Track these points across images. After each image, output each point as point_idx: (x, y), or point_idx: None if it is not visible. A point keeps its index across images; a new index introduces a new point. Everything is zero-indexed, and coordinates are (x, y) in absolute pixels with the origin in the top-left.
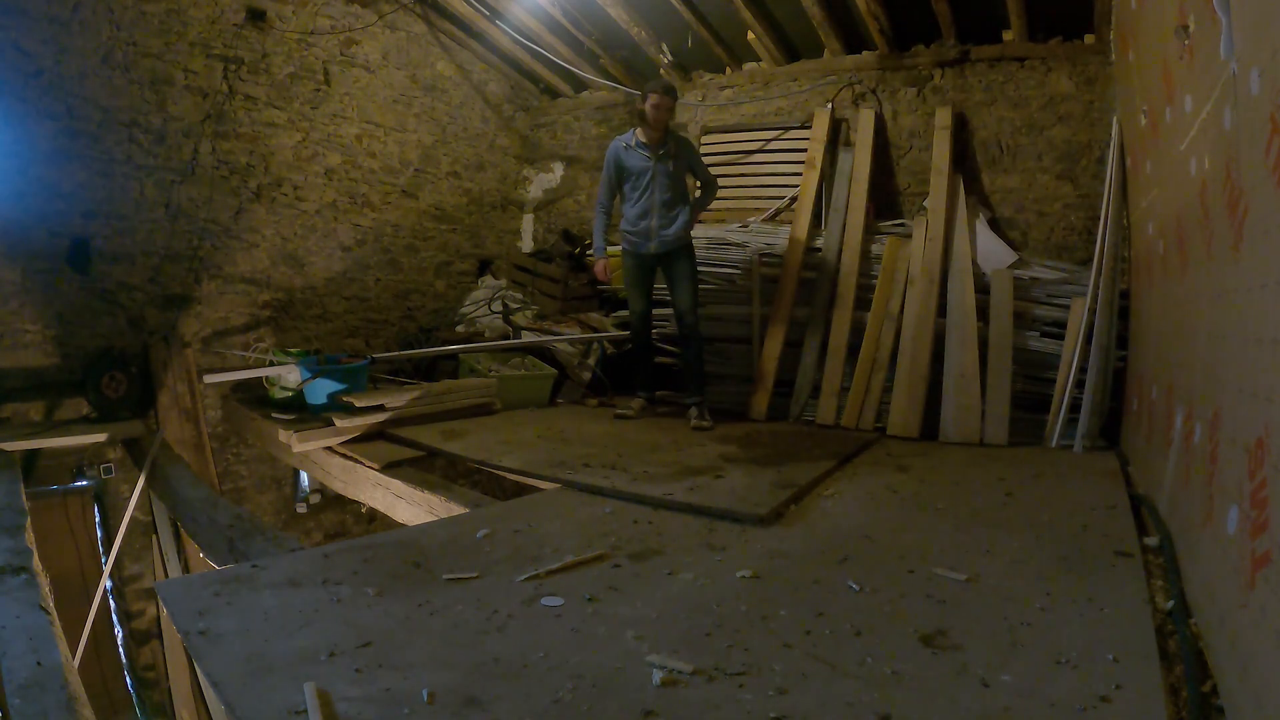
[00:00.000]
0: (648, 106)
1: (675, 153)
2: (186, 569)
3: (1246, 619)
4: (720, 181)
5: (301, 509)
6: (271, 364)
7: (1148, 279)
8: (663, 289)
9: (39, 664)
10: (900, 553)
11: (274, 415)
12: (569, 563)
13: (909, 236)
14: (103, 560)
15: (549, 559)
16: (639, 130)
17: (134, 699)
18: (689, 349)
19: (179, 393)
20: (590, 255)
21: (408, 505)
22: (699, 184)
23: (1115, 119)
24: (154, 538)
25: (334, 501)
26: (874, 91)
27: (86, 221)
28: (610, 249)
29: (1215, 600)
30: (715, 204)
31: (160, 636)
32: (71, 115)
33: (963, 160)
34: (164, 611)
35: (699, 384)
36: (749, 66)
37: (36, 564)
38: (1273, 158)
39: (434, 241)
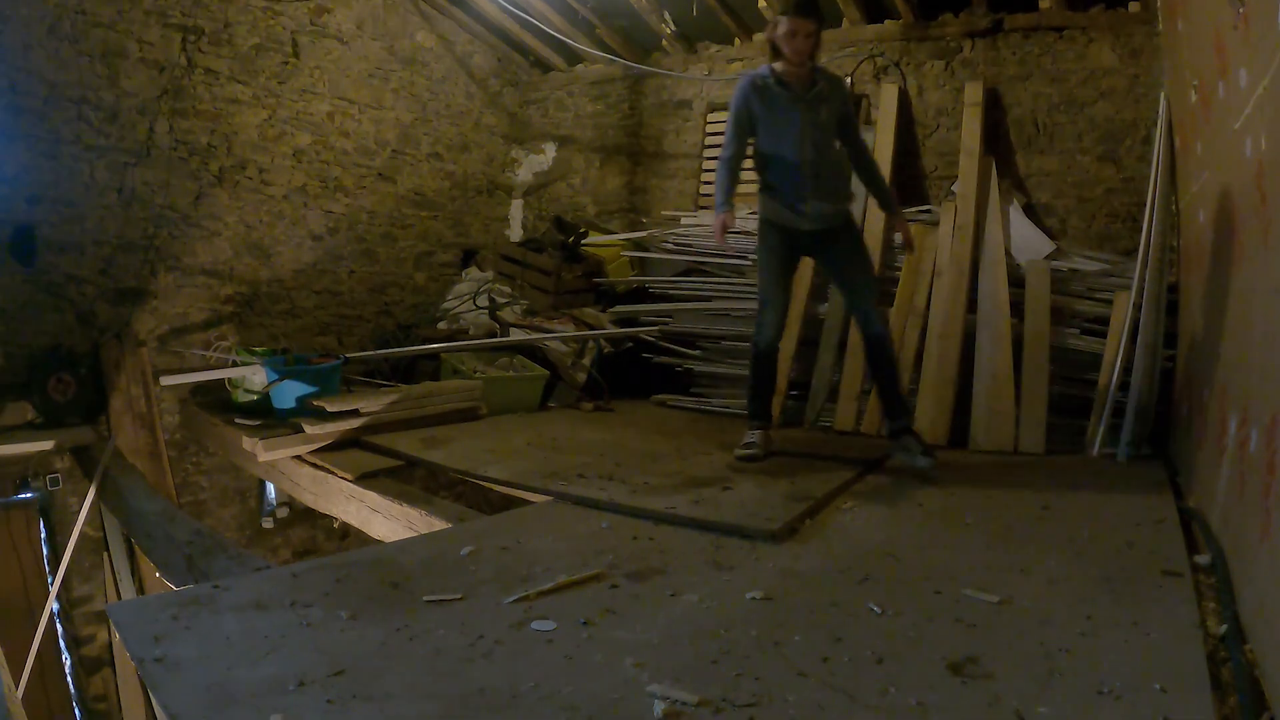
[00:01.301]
0: (780, 35)
1: (828, 95)
2: (141, 590)
3: None
4: None
5: (268, 524)
6: (235, 364)
7: (1198, 271)
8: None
9: None
10: (926, 572)
11: (237, 421)
12: (562, 583)
13: (936, 224)
14: (49, 580)
15: (540, 579)
16: (777, 65)
17: None
18: (881, 360)
19: (133, 396)
20: (579, 246)
21: (384, 520)
22: (858, 155)
23: (1163, 95)
24: (105, 555)
25: (303, 516)
26: (897, 64)
27: (31, 208)
28: (599, 240)
29: (1273, 624)
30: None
31: (112, 664)
32: (14, 91)
33: (995, 140)
34: (116, 636)
35: (903, 404)
36: (760, 37)
37: None
38: None
39: (413, 230)
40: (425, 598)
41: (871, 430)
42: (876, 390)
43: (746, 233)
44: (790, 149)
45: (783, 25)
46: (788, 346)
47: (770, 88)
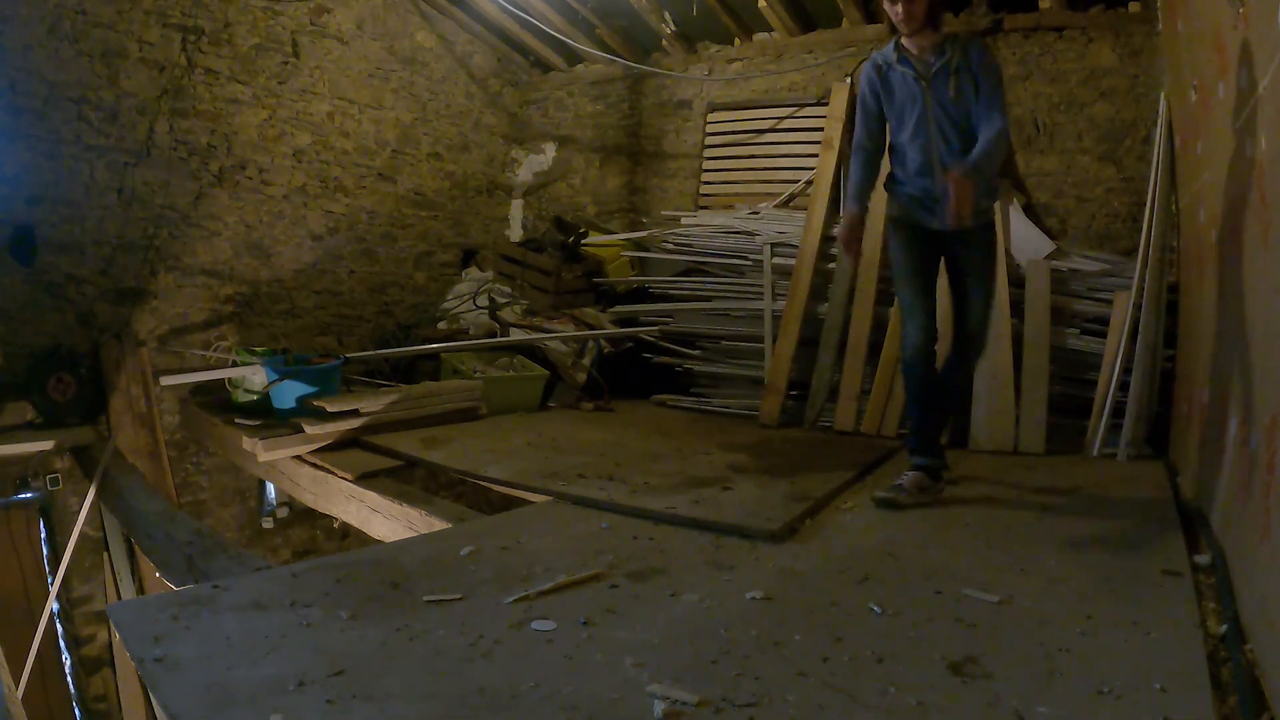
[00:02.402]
0: (886, 4)
1: (960, 66)
2: (141, 590)
3: None
4: (729, 164)
5: (268, 524)
6: (235, 364)
7: (1199, 271)
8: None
9: None
10: (926, 572)
11: (238, 421)
12: (562, 583)
13: None
14: (49, 580)
15: (540, 579)
16: (904, 40)
17: None
18: (950, 378)
19: (133, 396)
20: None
21: (384, 520)
22: (981, 114)
23: (1163, 94)
24: (105, 555)
25: (303, 516)
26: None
27: (31, 208)
28: (599, 239)
29: (1274, 624)
30: (719, 189)
31: (112, 664)
32: (14, 90)
33: None
34: (116, 636)
35: (934, 432)
36: (760, 37)
37: None
38: None
39: (413, 230)
40: (425, 598)
41: (871, 430)
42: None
43: (745, 233)
44: (915, 136)
45: None
46: (787, 348)
47: (892, 66)
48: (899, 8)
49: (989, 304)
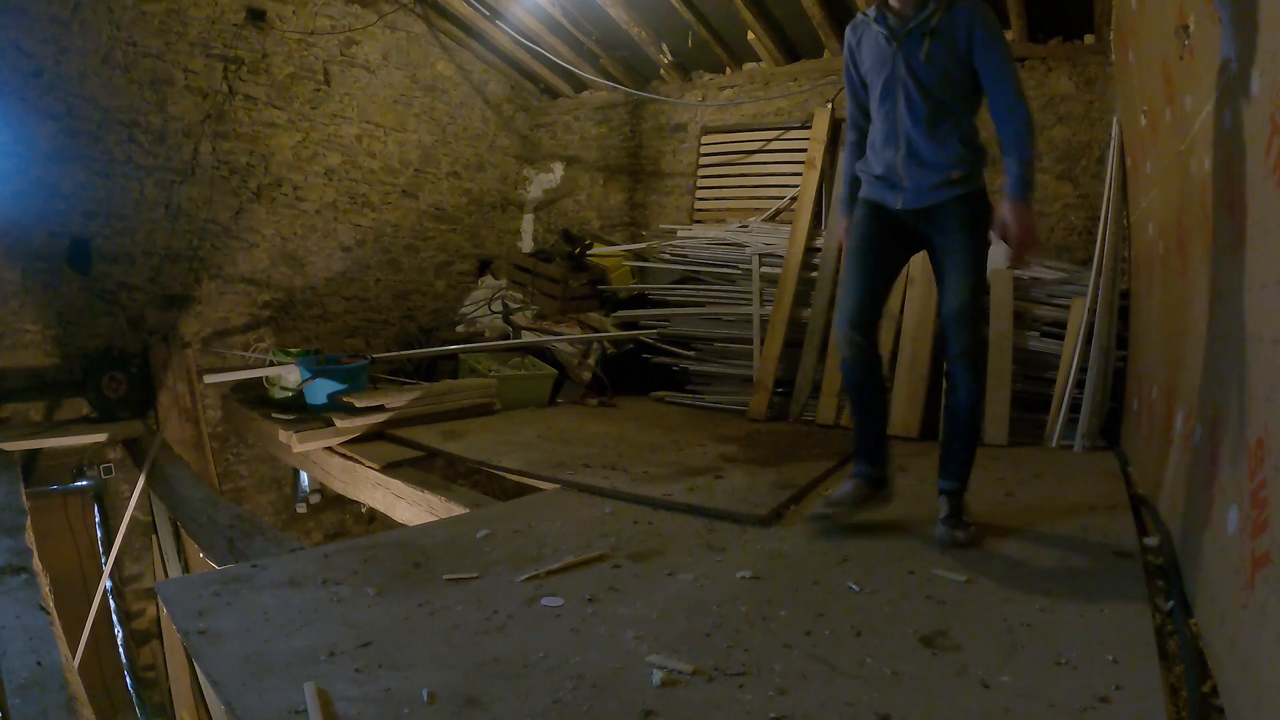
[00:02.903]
0: None
1: (940, 28)
2: (186, 569)
3: (1246, 619)
4: (721, 182)
5: (301, 509)
6: (271, 364)
7: (1148, 279)
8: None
9: (39, 664)
10: (900, 553)
11: (274, 415)
12: (569, 563)
13: None
14: (103, 560)
15: (549, 559)
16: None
17: (134, 699)
18: (955, 390)
19: (179, 393)
20: (589, 255)
21: (408, 505)
22: (995, 106)
23: (1115, 119)
24: (154, 538)
25: (334, 502)
26: None
27: (87, 221)
28: (603, 250)
29: (1215, 600)
30: (712, 205)
31: (160, 636)
32: (72, 115)
33: None
34: (164, 611)
35: (959, 458)
36: (749, 66)
37: (36, 564)
38: (1273, 158)
39: (434, 241)
40: (445, 576)
41: (850, 424)
42: (944, 426)
43: (736, 244)
44: (882, 102)
45: None
46: (773, 349)
47: (869, 25)
48: None
49: (971, 289)
